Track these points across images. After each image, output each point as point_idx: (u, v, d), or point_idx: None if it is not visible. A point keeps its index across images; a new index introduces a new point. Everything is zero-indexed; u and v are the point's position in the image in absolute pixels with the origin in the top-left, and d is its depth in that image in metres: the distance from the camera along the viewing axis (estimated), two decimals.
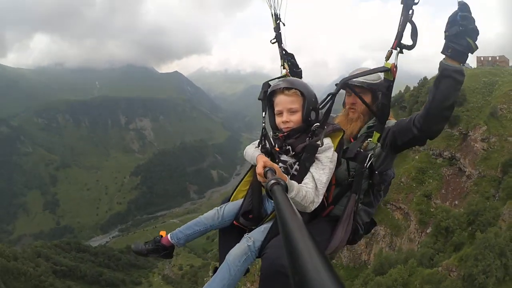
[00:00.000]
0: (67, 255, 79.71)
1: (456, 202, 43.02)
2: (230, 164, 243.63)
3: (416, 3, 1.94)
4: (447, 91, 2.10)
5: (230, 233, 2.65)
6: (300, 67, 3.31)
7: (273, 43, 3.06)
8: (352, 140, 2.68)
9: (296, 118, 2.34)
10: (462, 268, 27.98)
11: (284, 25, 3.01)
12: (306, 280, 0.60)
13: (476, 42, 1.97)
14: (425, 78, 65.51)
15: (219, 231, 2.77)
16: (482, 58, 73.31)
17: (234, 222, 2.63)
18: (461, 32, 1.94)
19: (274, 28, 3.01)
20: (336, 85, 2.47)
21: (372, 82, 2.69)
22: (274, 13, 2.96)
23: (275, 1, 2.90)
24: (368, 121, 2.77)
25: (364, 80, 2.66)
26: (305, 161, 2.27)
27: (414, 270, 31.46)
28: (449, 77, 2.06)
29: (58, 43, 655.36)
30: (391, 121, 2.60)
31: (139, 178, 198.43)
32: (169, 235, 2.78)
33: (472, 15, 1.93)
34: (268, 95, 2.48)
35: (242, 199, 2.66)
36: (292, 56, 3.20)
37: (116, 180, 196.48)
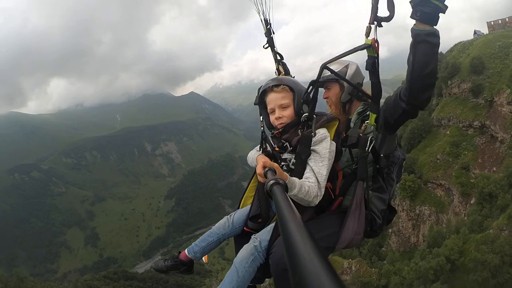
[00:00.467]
0: (116, 284, 78.15)
1: (494, 169, 43.50)
2: None
3: None
4: (424, 57, 1.95)
5: (244, 240, 2.55)
6: (291, 74, 3.39)
7: (266, 48, 3.14)
8: (344, 134, 2.60)
9: (288, 113, 2.37)
10: None
11: (273, 32, 3.12)
12: (306, 280, 0.60)
13: (444, 2, 1.82)
14: (441, 54, 61.53)
15: (234, 239, 2.76)
16: (492, 23, 72.25)
17: (244, 228, 2.62)
18: None
19: (265, 33, 3.11)
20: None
21: (337, 70, 2.70)
22: (264, 19, 3.06)
23: (263, 8, 2.99)
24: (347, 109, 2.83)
25: (326, 74, 2.63)
26: (301, 153, 2.27)
27: (467, 238, 32.27)
28: (424, 41, 1.92)
29: (74, 85, 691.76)
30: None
31: (174, 201, 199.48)
32: (186, 250, 2.79)
33: None
34: (260, 97, 2.52)
35: (251, 204, 2.65)
36: (283, 59, 3.33)
37: (151, 206, 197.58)
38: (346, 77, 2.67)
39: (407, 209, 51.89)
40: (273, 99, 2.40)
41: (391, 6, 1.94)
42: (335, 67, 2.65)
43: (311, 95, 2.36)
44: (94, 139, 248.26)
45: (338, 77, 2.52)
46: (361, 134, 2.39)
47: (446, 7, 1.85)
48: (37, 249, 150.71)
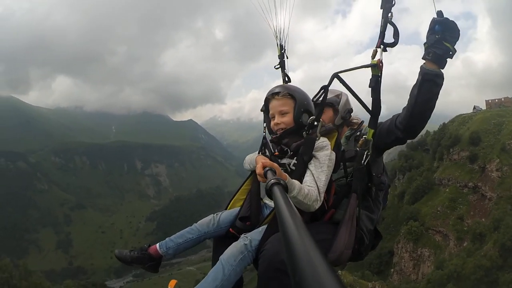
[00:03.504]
0: None
1: (483, 219, 54.07)
2: None
3: (393, 5, 2.11)
4: (429, 94, 2.21)
5: (225, 243, 2.46)
6: None
7: (277, 68, 3.31)
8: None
9: (287, 119, 2.40)
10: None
11: (287, 57, 3.30)
12: (306, 279, 0.59)
13: (455, 47, 2.13)
14: (444, 124, 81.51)
15: (214, 240, 2.67)
16: (489, 101, 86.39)
17: (230, 229, 2.54)
18: (439, 39, 2.10)
19: (278, 55, 3.29)
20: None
21: (330, 98, 2.86)
22: (279, 43, 3.27)
23: (280, 34, 3.23)
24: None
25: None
26: (303, 154, 2.31)
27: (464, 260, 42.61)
28: (431, 81, 2.17)
29: (79, 86, 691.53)
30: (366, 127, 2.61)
31: (155, 224, 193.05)
32: (157, 244, 2.59)
33: (449, 19, 2.08)
34: (264, 103, 2.59)
35: (239, 207, 2.62)
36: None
37: (131, 224, 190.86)
38: (339, 106, 3.01)
39: (410, 250, 61.43)
40: (274, 105, 2.46)
41: (396, 35, 2.15)
42: (328, 95, 2.74)
43: (320, 99, 2.44)
44: (86, 145, 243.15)
45: (345, 86, 2.55)
46: (357, 149, 2.48)
47: (455, 51, 2.12)
48: (7, 239, 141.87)
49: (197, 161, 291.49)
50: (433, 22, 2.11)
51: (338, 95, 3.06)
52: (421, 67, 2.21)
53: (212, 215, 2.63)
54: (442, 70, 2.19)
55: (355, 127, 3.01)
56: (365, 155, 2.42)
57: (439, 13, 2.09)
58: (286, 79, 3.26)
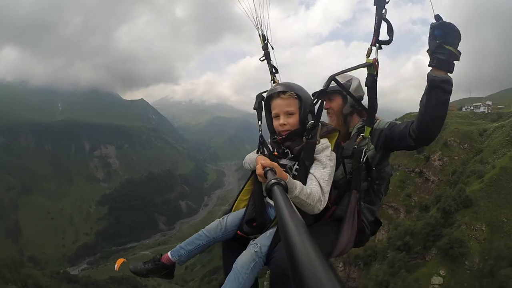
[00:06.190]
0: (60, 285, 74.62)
1: (427, 197, 64.09)
2: (198, 195, 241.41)
3: (387, 2, 2.09)
4: (437, 101, 2.14)
5: (233, 245, 2.60)
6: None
7: (262, 60, 3.22)
8: (342, 143, 2.72)
9: (293, 120, 2.37)
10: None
11: (272, 48, 3.20)
12: (306, 279, 0.60)
13: (458, 48, 2.05)
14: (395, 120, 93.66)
15: (222, 244, 2.74)
16: None
17: (238, 232, 2.59)
18: (440, 44, 2.03)
19: (262, 47, 3.20)
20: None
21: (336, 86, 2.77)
22: (261, 34, 3.18)
23: (261, 23, 3.12)
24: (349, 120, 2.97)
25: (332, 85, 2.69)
26: (305, 159, 2.30)
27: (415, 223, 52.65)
28: (438, 87, 2.10)
29: (25, 59, 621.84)
30: (382, 122, 2.68)
31: (106, 208, 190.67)
32: (169, 253, 2.69)
33: (447, 22, 1.99)
34: (265, 100, 2.56)
35: (244, 208, 2.65)
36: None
37: (81, 209, 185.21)
38: (350, 90, 2.74)
39: None
40: (279, 105, 2.40)
41: (390, 32, 2.14)
42: (339, 79, 2.75)
43: (318, 105, 2.43)
44: (31, 124, 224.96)
45: (343, 89, 2.60)
46: (355, 147, 2.50)
47: (460, 53, 2.05)
48: None
49: (148, 142, 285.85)
50: (432, 28, 2.03)
51: (349, 80, 2.91)
52: (428, 74, 2.14)
53: (219, 219, 2.66)
54: (450, 75, 2.10)
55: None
56: (363, 153, 2.45)
57: (437, 17, 2.01)
58: (273, 70, 3.18)
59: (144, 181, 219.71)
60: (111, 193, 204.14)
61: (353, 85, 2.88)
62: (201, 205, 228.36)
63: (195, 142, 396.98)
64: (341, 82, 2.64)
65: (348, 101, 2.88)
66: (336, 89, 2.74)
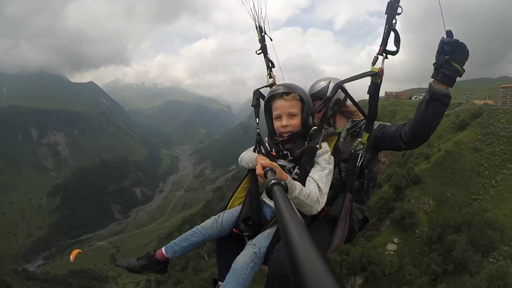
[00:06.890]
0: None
1: (379, 176, 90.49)
2: (152, 182, 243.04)
3: (399, 14, 2.09)
4: (435, 112, 2.23)
5: (228, 243, 2.67)
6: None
7: (258, 53, 3.12)
8: None
9: (295, 122, 2.39)
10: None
11: (271, 40, 3.10)
12: (307, 280, 0.60)
13: (464, 67, 2.10)
14: None
15: (217, 241, 2.78)
16: (388, 93, 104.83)
17: (234, 230, 2.61)
18: (448, 60, 2.07)
19: (259, 40, 3.08)
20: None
21: (317, 90, 2.98)
22: (258, 25, 3.06)
23: (258, 14, 3.00)
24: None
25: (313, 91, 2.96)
26: (305, 164, 2.32)
27: (370, 198, 69.66)
28: (438, 100, 2.17)
29: None
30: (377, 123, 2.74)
31: (58, 200, 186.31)
32: (163, 249, 2.70)
33: (459, 40, 2.03)
34: (266, 100, 2.54)
35: (240, 206, 2.67)
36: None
37: (31, 202, 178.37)
38: (328, 93, 2.78)
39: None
40: (281, 105, 2.40)
41: (397, 43, 2.14)
42: (320, 84, 2.93)
43: (323, 110, 2.48)
44: None
45: (350, 99, 2.73)
46: (352, 151, 2.54)
47: (464, 71, 2.09)
48: None
49: (99, 128, 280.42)
50: (442, 43, 2.05)
51: (329, 82, 2.95)
52: (430, 86, 2.19)
53: (214, 217, 2.65)
54: (449, 89, 2.17)
55: (357, 118, 2.92)
56: (359, 158, 2.49)
57: (449, 33, 2.03)
58: (270, 65, 3.08)
59: (96, 169, 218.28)
60: (62, 183, 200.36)
61: (330, 88, 2.93)
62: (156, 191, 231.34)
63: (147, 127, 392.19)
64: (321, 86, 2.95)
65: (329, 104, 2.75)
66: (315, 94, 2.90)
